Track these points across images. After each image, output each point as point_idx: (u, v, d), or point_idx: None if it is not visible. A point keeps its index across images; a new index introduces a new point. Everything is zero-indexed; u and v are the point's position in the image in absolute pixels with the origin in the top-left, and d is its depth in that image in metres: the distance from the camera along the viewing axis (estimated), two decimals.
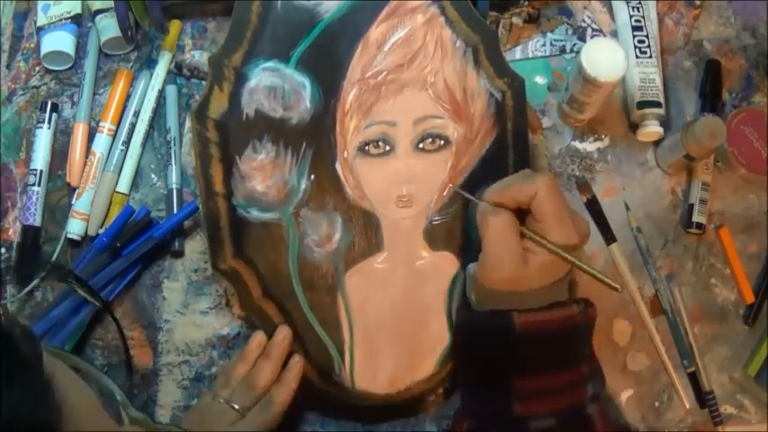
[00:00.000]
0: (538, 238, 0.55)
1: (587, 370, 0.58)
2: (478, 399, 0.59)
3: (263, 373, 0.62)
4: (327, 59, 0.65)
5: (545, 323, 0.56)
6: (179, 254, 0.71)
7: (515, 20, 0.75)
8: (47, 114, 0.72)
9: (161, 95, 0.73)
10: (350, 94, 0.65)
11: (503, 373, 0.57)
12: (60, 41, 0.73)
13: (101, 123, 0.72)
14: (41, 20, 0.74)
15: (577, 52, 0.66)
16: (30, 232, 0.70)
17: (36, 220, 0.71)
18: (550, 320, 0.56)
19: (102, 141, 0.71)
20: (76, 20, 0.74)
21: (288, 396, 0.62)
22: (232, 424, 0.60)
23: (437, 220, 0.66)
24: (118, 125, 0.72)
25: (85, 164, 0.71)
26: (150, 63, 0.74)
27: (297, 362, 0.64)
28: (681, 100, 0.76)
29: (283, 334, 0.64)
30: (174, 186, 0.71)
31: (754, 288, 0.73)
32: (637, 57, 0.73)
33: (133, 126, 0.72)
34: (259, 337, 0.65)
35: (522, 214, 0.58)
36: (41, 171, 0.71)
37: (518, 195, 0.56)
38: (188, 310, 0.70)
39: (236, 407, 0.61)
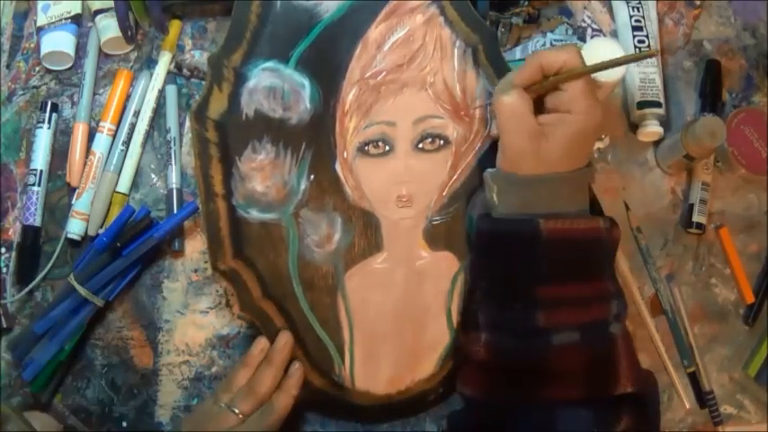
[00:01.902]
0: (564, 75, 0.56)
1: (612, 287, 0.57)
2: (500, 310, 0.58)
3: (264, 379, 0.62)
4: (327, 60, 0.65)
5: (571, 231, 0.55)
6: (179, 254, 0.71)
7: (515, 20, 0.75)
8: (47, 114, 0.72)
9: (161, 95, 0.73)
10: (349, 95, 0.65)
11: (526, 282, 0.56)
12: (60, 41, 0.73)
13: (101, 123, 0.72)
14: (41, 20, 0.74)
15: None
16: (30, 232, 0.71)
17: (36, 220, 0.71)
18: (576, 229, 0.55)
19: (102, 141, 0.71)
20: (76, 20, 0.74)
21: (288, 403, 0.62)
22: (232, 428, 0.60)
23: (437, 220, 0.66)
24: (118, 125, 0.72)
25: (85, 164, 0.71)
26: (150, 63, 0.74)
27: (297, 369, 0.64)
28: (681, 100, 0.76)
29: (285, 340, 0.64)
30: (174, 186, 0.71)
31: (754, 288, 0.73)
32: None
33: (133, 126, 0.72)
34: (262, 342, 0.65)
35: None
36: (41, 171, 0.71)
37: (544, 61, 0.56)
38: (188, 310, 0.70)
39: (237, 412, 0.60)
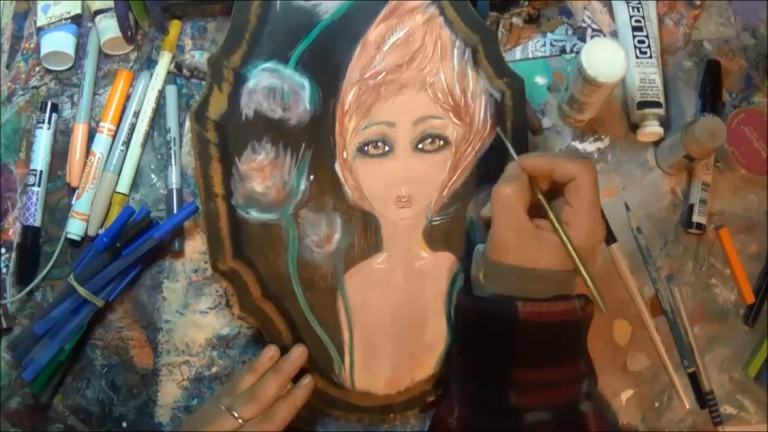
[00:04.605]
0: (554, 222, 0.55)
1: (584, 367, 0.58)
2: (474, 386, 0.58)
3: (268, 386, 0.62)
4: (326, 60, 0.65)
5: (548, 315, 0.55)
6: (179, 254, 0.71)
7: (515, 20, 0.75)
8: (47, 114, 0.72)
9: (161, 95, 0.73)
10: (349, 95, 0.65)
11: (502, 362, 0.56)
12: (60, 41, 0.73)
13: (101, 123, 0.72)
14: (41, 20, 0.74)
15: (577, 52, 0.66)
16: (30, 232, 0.71)
17: (36, 220, 0.71)
18: (554, 312, 0.56)
19: (102, 141, 0.71)
20: (76, 20, 0.74)
21: (290, 413, 0.61)
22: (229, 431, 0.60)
23: (437, 221, 0.66)
24: (118, 125, 0.72)
25: (85, 164, 0.71)
26: (150, 63, 0.74)
27: (308, 383, 0.63)
28: (681, 100, 0.76)
29: (299, 353, 0.64)
30: (173, 186, 0.71)
31: (754, 288, 0.73)
32: (637, 57, 0.73)
33: (133, 126, 0.72)
34: (272, 350, 0.64)
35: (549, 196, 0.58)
36: (41, 171, 0.71)
37: (558, 167, 0.56)
38: (188, 310, 0.70)
39: (236, 416, 0.60)
